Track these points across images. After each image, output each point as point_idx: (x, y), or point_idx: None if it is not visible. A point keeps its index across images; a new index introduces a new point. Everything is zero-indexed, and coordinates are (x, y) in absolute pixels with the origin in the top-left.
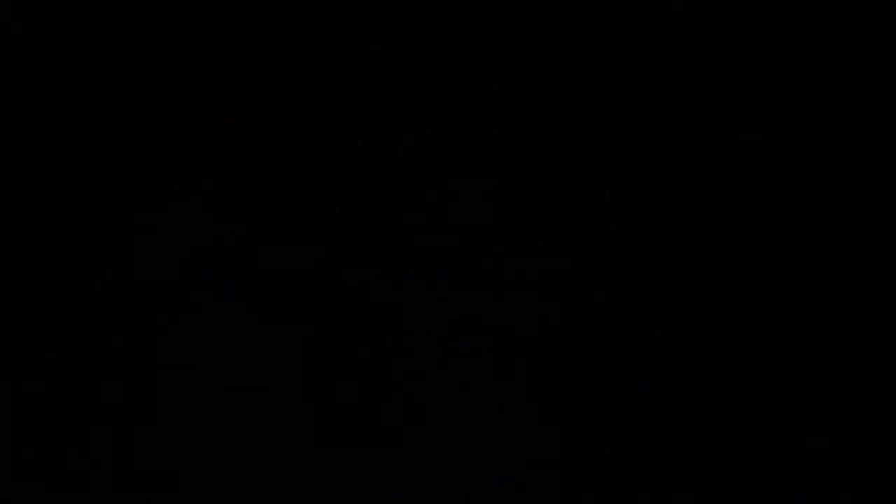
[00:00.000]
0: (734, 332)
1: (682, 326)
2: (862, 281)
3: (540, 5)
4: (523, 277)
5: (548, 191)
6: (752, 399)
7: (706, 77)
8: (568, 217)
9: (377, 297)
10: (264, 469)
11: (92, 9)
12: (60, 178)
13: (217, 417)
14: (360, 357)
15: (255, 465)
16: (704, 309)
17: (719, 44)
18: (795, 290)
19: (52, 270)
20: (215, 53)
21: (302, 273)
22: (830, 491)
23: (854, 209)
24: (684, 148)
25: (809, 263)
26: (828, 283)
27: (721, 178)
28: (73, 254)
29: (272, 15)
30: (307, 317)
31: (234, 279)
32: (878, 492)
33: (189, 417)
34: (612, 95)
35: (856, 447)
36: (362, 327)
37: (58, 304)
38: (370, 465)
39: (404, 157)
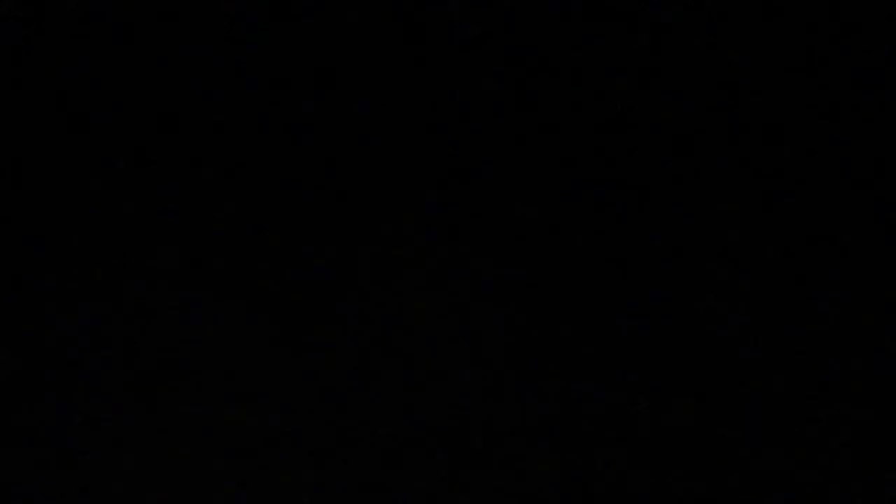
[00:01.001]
0: (734, 332)
1: (682, 327)
2: (862, 281)
3: (539, 6)
4: (519, 278)
5: (547, 191)
6: (753, 400)
7: (706, 77)
8: (568, 217)
9: (376, 297)
10: (264, 470)
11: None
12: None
13: (217, 419)
14: (358, 354)
15: (255, 467)
16: (704, 309)
17: (719, 44)
18: (795, 289)
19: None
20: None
21: (301, 274)
22: (830, 491)
23: (854, 209)
24: (684, 148)
25: (809, 263)
26: (827, 283)
27: (721, 178)
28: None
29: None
30: (306, 318)
31: (234, 279)
32: (879, 491)
33: (189, 417)
34: (612, 95)
35: (856, 447)
36: (361, 328)
37: (50, 298)
38: (368, 467)
39: (404, 158)
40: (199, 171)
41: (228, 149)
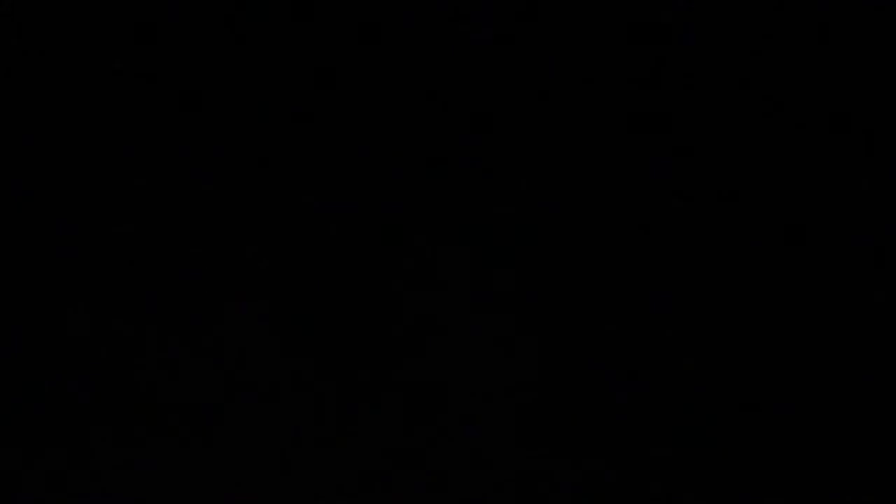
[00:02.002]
0: (734, 335)
1: (682, 330)
2: (862, 284)
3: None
4: (524, 280)
5: (547, 192)
6: (754, 404)
7: (704, 78)
8: (566, 218)
9: (383, 294)
10: (274, 475)
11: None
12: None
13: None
14: (364, 356)
15: (265, 472)
16: (702, 312)
17: (717, 45)
18: (793, 294)
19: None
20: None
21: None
22: (829, 491)
23: (854, 209)
24: (683, 150)
25: (807, 266)
26: (827, 286)
27: (719, 179)
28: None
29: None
30: (309, 318)
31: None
32: (878, 492)
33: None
34: (609, 97)
35: (855, 448)
36: (364, 328)
37: (57, 295)
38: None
39: (403, 158)
40: (211, 169)
41: (244, 146)
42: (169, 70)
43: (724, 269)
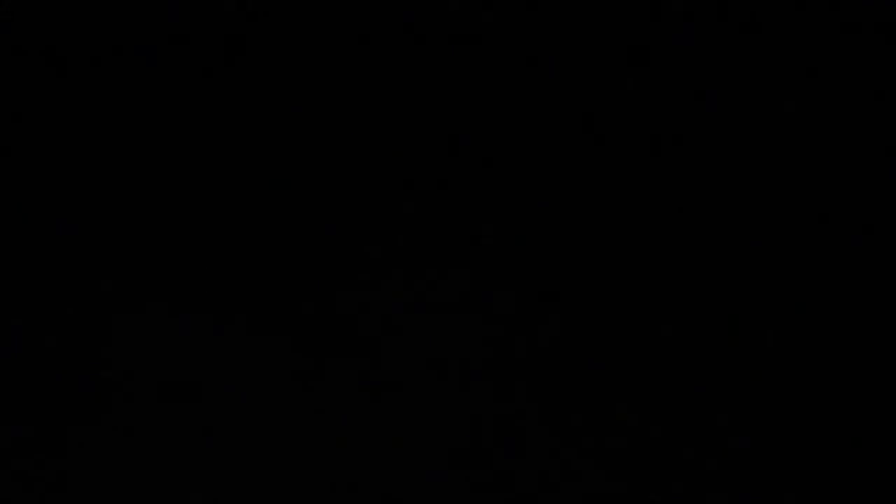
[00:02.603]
0: (729, 337)
1: (677, 332)
2: (861, 284)
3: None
4: (516, 285)
5: (541, 196)
6: (749, 412)
7: (700, 78)
8: (560, 221)
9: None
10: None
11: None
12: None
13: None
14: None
15: (256, 479)
16: (698, 316)
17: (717, 45)
18: (787, 299)
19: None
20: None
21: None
22: (829, 491)
23: (854, 209)
24: (679, 151)
25: (800, 268)
26: (825, 286)
27: (714, 181)
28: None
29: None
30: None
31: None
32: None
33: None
34: (604, 99)
35: (855, 449)
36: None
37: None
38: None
39: (392, 164)
40: (194, 176)
41: (223, 154)
42: (130, 77)
43: (717, 291)
